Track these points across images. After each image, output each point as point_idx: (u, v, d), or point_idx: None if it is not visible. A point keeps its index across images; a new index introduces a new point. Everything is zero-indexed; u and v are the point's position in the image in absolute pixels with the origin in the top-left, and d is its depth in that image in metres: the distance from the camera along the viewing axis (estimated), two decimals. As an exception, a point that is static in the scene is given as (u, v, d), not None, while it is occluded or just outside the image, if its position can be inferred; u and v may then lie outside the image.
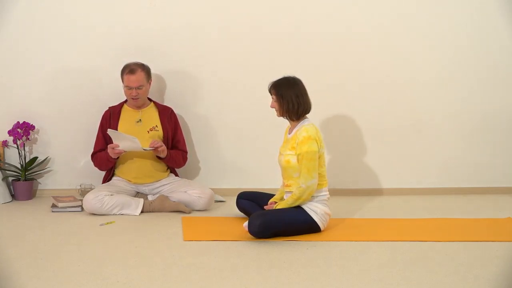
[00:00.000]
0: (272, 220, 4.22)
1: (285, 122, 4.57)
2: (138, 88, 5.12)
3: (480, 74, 5.81)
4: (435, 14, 5.72)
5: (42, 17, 5.51)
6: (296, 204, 4.33)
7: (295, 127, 4.44)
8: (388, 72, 5.75)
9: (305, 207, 4.34)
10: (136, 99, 5.16)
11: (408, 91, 5.79)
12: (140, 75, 5.12)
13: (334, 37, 5.69)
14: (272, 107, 4.45)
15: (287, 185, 4.45)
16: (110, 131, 4.98)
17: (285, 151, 4.42)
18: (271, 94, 4.43)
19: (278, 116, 4.47)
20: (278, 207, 4.35)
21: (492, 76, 5.82)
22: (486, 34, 5.76)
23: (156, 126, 5.23)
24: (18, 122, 5.44)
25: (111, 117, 5.24)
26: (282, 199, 4.59)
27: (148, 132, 5.19)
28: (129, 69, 5.12)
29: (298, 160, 4.31)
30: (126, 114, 5.25)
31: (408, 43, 5.74)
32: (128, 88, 5.13)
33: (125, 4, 5.56)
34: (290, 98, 4.35)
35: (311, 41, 5.68)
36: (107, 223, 4.67)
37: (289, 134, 4.49)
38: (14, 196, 5.51)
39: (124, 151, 5.02)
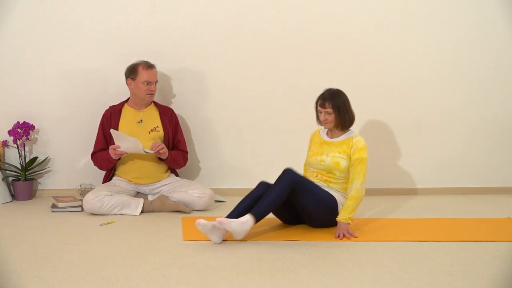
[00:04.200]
0: (304, 179, 4.35)
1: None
2: (155, 83, 5.17)
3: (480, 74, 5.81)
4: (435, 14, 5.72)
5: (43, 17, 5.51)
6: (358, 206, 4.43)
7: (341, 133, 4.56)
8: (388, 72, 5.76)
9: (334, 193, 4.48)
10: (152, 94, 5.19)
11: (407, 91, 5.79)
12: (155, 71, 5.21)
13: (334, 37, 5.69)
14: (324, 119, 4.50)
15: (325, 180, 4.51)
16: (112, 131, 4.98)
17: (332, 153, 4.49)
18: (323, 107, 4.48)
19: (328, 128, 4.57)
20: (343, 216, 4.37)
21: (492, 76, 5.82)
22: (486, 34, 5.77)
23: (157, 126, 5.23)
24: (18, 122, 5.44)
25: (111, 117, 5.24)
26: None
27: (149, 132, 5.19)
28: (147, 65, 5.16)
29: (354, 163, 4.45)
30: (127, 114, 5.25)
31: (408, 43, 5.74)
32: (147, 83, 5.14)
33: (125, 4, 5.55)
34: (345, 109, 4.49)
35: (312, 42, 5.68)
36: (107, 223, 4.67)
37: (330, 138, 4.58)
38: (14, 196, 5.51)
39: (126, 153, 5.03)
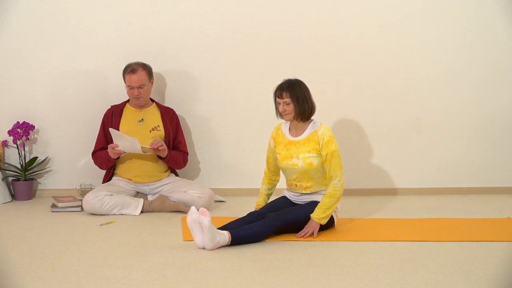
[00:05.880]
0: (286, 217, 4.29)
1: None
2: (140, 87, 5.13)
3: (480, 74, 5.80)
4: (435, 14, 5.72)
5: (43, 17, 5.51)
6: (336, 204, 4.37)
7: (304, 128, 4.43)
8: (388, 71, 5.75)
9: (319, 198, 4.42)
10: (138, 98, 5.17)
11: (408, 91, 5.79)
12: (141, 74, 5.13)
13: (333, 37, 5.69)
14: (282, 111, 4.38)
15: (306, 187, 4.44)
16: (111, 130, 4.99)
17: (302, 154, 4.38)
18: (281, 98, 4.36)
19: (288, 120, 4.44)
20: (317, 215, 4.30)
21: (492, 76, 5.81)
22: (486, 34, 5.76)
23: (158, 126, 5.23)
24: (18, 122, 5.44)
25: (113, 116, 5.24)
26: (266, 201, 4.63)
27: (150, 132, 5.19)
28: (130, 69, 5.13)
29: (326, 159, 4.33)
30: (128, 113, 5.25)
31: (408, 43, 5.73)
32: (130, 87, 5.14)
33: (126, 5, 5.56)
34: (305, 98, 4.36)
35: (311, 42, 5.68)
36: (107, 223, 4.67)
37: (294, 136, 4.45)
38: (14, 196, 5.51)
39: (124, 152, 5.03)
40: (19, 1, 5.47)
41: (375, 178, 5.83)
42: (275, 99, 4.43)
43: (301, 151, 4.39)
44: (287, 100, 4.35)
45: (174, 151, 5.24)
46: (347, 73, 5.73)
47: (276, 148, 4.54)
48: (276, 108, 4.46)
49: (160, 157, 5.17)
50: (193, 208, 4.02)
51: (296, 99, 4.34)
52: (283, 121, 4.55)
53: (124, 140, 4.96)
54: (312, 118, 4.46)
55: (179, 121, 5.38)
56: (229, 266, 3.67)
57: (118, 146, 4.99)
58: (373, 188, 5.81)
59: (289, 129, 4.51)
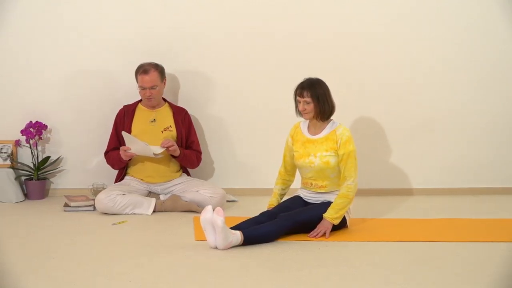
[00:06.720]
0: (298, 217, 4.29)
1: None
2: (152, 88, 5.14)
3: (488, 74, 5.76)
4: (444, 12, 5.69)
5: (56, 18, 5.54)
6: (349, 205, 4.37)
7: (323, 127, 4.43)
8: (397, 72, 5.72)
9: (332, 198, 4.42)
10: (150, 99, 5.17)
11: (416, 91, 5.75)
12: (153, 75, 5.14)
13: (342, 38, 5.67)
14: (302, 110, 4.38)
15: (321, 186, 4.44)
16: (124, 134, 5.01)
17: (319, 152, 4.38)
18: (301, 97, 4.36)
19: (307, 119, 4.44)
20: (330, 215, 4.29)
21: (500, 76, 5.77)
22: (495, 34, 5.73)
23: (170, 126, 5.24)
24: (31, 121, 5.46)
25: (125, 116, 5.26)
26: (279, 201, 4.61)
27: (162, 132, 5.20)
28: (142, 69, 5.14)
29: (342, 159, 4.33)
30: (141, 113, 5.27)
31: (416, 43, 5.70)
32: (142, 88, 5.15)
33: (138, 5, 5.57)
34: (325, 98, 4.37)
35: (320, 42, 5.66)
36: (119, 222, 4.69)
37: (313, 135, 4.46)
38: (26, 196, 5.54)
39: (136, 155, 5.05)
40: (33, 2, 5.50)
41: (387, 178, 5.81)
42: (296, 98, 4.43)
43: (319, 150, 4.39)
44: (308, 99, 4.35)
45: (188, 150, 5.25)
46: (356, 75, 5.70)
47: (293, 146, 4.54)
48: (296, 106, 4.46)
49: (173, 156, 5.18)
50: (208, 207, 4.02)
51: (316, 98, 4.34)
52: (300, 119, 4.56)
53: (136, 144, 4.98)
54: (331, 118, 4.47)
55: (191, 121, 5.39)
56: (241, 266, 3.67)
57: (130, 149, 5.02)
58: (384, 188, 5.79)
59: (308, 127, 4.51)
